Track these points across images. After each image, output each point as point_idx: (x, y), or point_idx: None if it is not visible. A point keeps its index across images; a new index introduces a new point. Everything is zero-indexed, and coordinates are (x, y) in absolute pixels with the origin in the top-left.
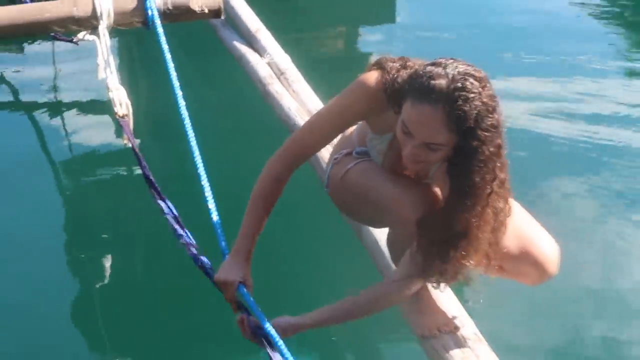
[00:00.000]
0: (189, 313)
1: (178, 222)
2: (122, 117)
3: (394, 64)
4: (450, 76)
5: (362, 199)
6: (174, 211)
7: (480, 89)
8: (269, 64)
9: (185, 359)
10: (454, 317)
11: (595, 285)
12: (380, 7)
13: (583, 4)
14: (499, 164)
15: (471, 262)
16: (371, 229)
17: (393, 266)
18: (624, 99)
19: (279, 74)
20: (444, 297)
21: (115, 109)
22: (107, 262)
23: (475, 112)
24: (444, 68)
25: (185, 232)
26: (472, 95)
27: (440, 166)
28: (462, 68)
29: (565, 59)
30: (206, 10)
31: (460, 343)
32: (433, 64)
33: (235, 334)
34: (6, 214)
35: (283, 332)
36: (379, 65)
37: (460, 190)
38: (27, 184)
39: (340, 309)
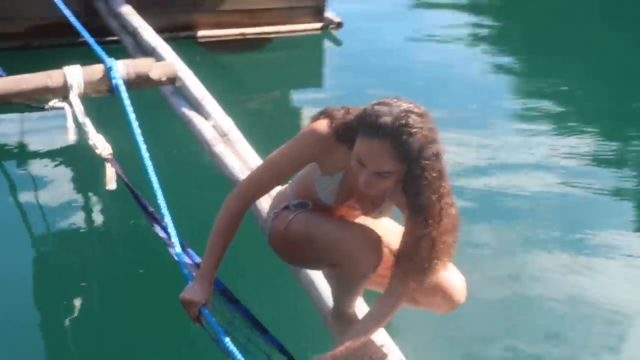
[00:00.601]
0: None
1: (171, 242)
2: (107, 156)
3: (340, 111)
4: (394, 114)
5: (306, 246)
6: (167, 233)
7: (421, 124)
8: (213, 126)
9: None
10: (382, 345)
11: (504, 307)
12: (308, 74)
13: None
14: (443, 184)
15: (445, 263)
16: (307, 270)
17: (328, 299)
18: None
19: (223, 135)
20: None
21: (98, 152)
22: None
23: (418, 144)
24: (389, 107)
25: (175, 250)
26: (414, 130)
27: (395, 188)
28: (404, 106)
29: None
30: (164, 79)
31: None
32: (379, 104)
33: None
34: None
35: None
36: (326, 114)
37: (415, 209)
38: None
39: (371, 325)
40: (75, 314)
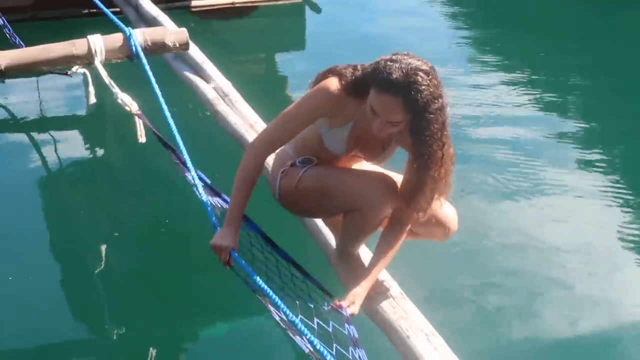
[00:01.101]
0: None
1: (205, 189)
2: (137, 112)
3: (347, 69)
4: (404, 71)
5: (322, 197)
6: (200, 179)
7: (428, 81)
8: (214, 88)
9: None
10: (383, 281)
11: (491, 243)
12: (292, 38)
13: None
14: (445, 133)
15: (441, 198)
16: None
17: (332, 241)
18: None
19: (224, 96)
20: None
21: (128, 109)
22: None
23: (425, 99)
24: (400, 63)
25: (210, 199)
26: (422, 87)
27: (402, 131)
28: (414, 64)
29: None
30: (177, 45)
31: (390, 301)
32: (391, 60)
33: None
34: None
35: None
36: (335, 72)
37: (420, 155)
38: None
39: (384, 263)
40: (109, 263)
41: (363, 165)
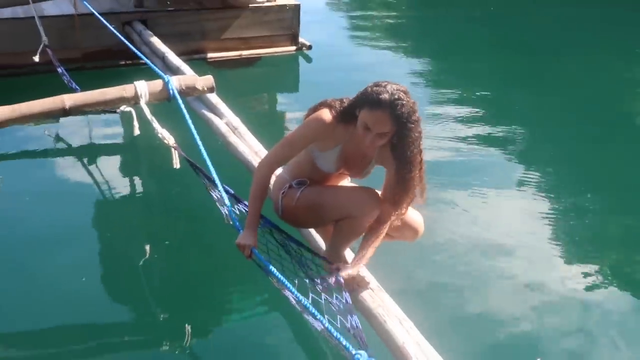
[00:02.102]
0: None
1: (230, 199)
2: (173, 144)
3: (336, 101)
4: (389, 92)
5: (317, 210)
6: (226, 191)
7: (407, 99)
8: (226, 123)
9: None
10: (364, 277)
11: (451, 243)
12: (288, 83)
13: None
14: (421, 141)
15: (420, 198)
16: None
17: (322, 245)
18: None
19: (234, 129)
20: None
21: (166, 141)
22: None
23: (407, 112)
24: (384, 87)
25: (236, 206)
26: (404, 102)
27: (380, 152)
28: (394, 86)
29: None
30: (205, 88)
31: (369, 292)
32: (376, 85)
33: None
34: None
35: (350, 282)
36: (325, 105)
37: (403, 160)
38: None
39: (373, 250)
40: (152, 262)
41: (348, 181)
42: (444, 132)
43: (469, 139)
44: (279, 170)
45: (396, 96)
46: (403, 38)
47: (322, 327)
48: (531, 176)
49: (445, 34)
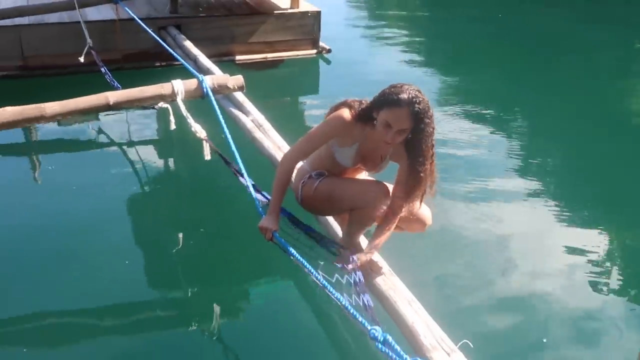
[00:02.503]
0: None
1: (254, 189)
2: (205, 137)
3: (355, 102)
4: (407, 92)
5: (333, 199)
6: (251, 182)
7: (422, 97)
8: (252, 120)
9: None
10: (377, 262)
11: (458, 234)
12: (309, 84)
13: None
14: (434, 137)
15: (429, 190)
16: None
17: (338, 231)
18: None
19: (259, 126)
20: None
21: (198, 134)
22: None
23: (423, 109)
24: (401, 88)
25: (257, 195)
26: (420, 100)
27: (394, 150)
28: (411, 87)
29: None
30: (236, 87)
31: (382, 277)
32: (394, 87)
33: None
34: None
35: (364, 266)
36: (346, 104)
37: (417, 153)
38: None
39: (385, 238)
40: (185, 243)
41: (363, 175)
42: (453, 129)
43: (477, 136)
44: (300, 163)
45: (413, 95)
46: (416, 41)
47: (340, 303)
48: (535, 171)
49: (455, 36)
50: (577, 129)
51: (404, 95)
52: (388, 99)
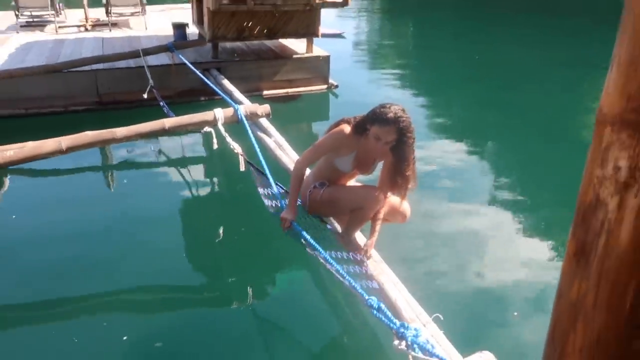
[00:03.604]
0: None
1: (279, 190)
2: (241, 153)
3: (350, 119)
4: (394, 111)
5: (336, 204)
6: (277, 185)
7: (406, 115)
8: (274, 141)
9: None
10: (367, 250)
11: (435, 227)
12: (320, 112)
13: None
14: (414, 147)
15: (411, 186)
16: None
17: (338, 228)
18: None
19: (279, 145)
20: (359, 238)
21: (236, 151)
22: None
23: (406, 125)
24: (389, 108)
25: (279, 191)
26: (404, 118)
27: (382, 155)
28: (396, 107)
29: None
30: (264, 114)
31: (372, 263)
32: (382, 107)
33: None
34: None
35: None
36: (344, 121)
37: (402, 159)
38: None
39: (378, 231)
40: (224, 238)
41: (353, 181)
42: (434, 142)
43: (452, 149)
44: (306, 173)
45: (398, 114)
46: (406, 75)
47: (343, 279)
48: (501, 177)
49: (440, 67)
50: (534, 143)
51: (391, 115)
52: (378, 117)
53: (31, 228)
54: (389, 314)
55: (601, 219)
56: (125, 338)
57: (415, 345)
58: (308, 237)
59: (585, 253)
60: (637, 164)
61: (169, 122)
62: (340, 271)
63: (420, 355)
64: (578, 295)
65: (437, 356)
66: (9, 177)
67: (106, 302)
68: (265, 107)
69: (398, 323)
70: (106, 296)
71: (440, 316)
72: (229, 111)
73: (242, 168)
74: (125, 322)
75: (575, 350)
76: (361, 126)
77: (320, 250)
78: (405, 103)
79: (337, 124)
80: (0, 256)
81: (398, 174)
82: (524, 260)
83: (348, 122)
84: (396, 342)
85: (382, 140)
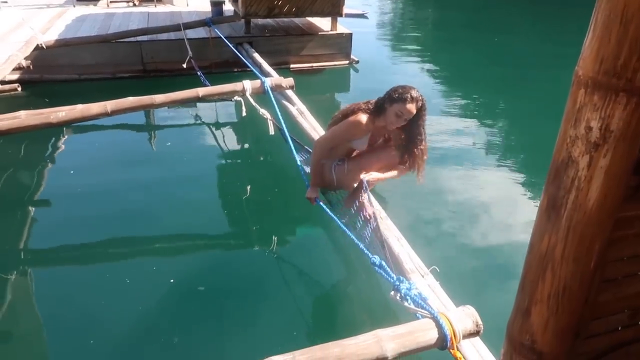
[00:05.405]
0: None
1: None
2: (270, 118)
3: (363, 104)
4: (412, 91)
5: (360, 171)
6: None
7: (420, 95)
8: (297, 109)
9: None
10: (374, 209)
11: (442, 191)
12: (342, 85)
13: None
14: (425, 122)
15: (424, 158)
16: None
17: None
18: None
19: (301, 113)
20: (366, 199)
21: (265, 116)
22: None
23: (422, 103)
24: (406, 88)
25: (302, 170)
26: (420, 97)
27: (394, 132)
28: (413, 88)
29: None
30: (288, 86)
31: (380, 220)
32: (401, 87)
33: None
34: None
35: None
36: (360, 109)
37: (416, 133)
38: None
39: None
40: (250, 198)
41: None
42: (446, 119)
43: (464, 124)
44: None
45: (417, 95)
46: (425, 54)
47: (355, 241)
48: (506, 151)
49: (456, 51)
50: (538, 124)
51: (412, 94)
52: (401, 97)
53: (87, 182)
54: (388, 269)
55: (572, 177)
56: (168, 277)
57: (407, 297)
58: (329, 211)
59: (556, 208)
60: (607, 125)
61: (202, 91)
62: (351, 236)
63: (412, 305)
64: (548, 247)
65: (425, 308)
66: (66, 136)
67: (151, 248)
68: (290, 80)
69: (395, 277)
70: (151, 242)
71: (437, 268)
72: (257, 83)
73: (272, 132)
74: (167, 264)
75: (544, 298)
76: (380, 107)
77: (339, 222)
78: (419, 79)
79: (353, 111)
80: (64, 205)
81: (414, 146)
82: (524, 226)
83: (363, 110)
84: (392, 293)
85: (404, 117)
